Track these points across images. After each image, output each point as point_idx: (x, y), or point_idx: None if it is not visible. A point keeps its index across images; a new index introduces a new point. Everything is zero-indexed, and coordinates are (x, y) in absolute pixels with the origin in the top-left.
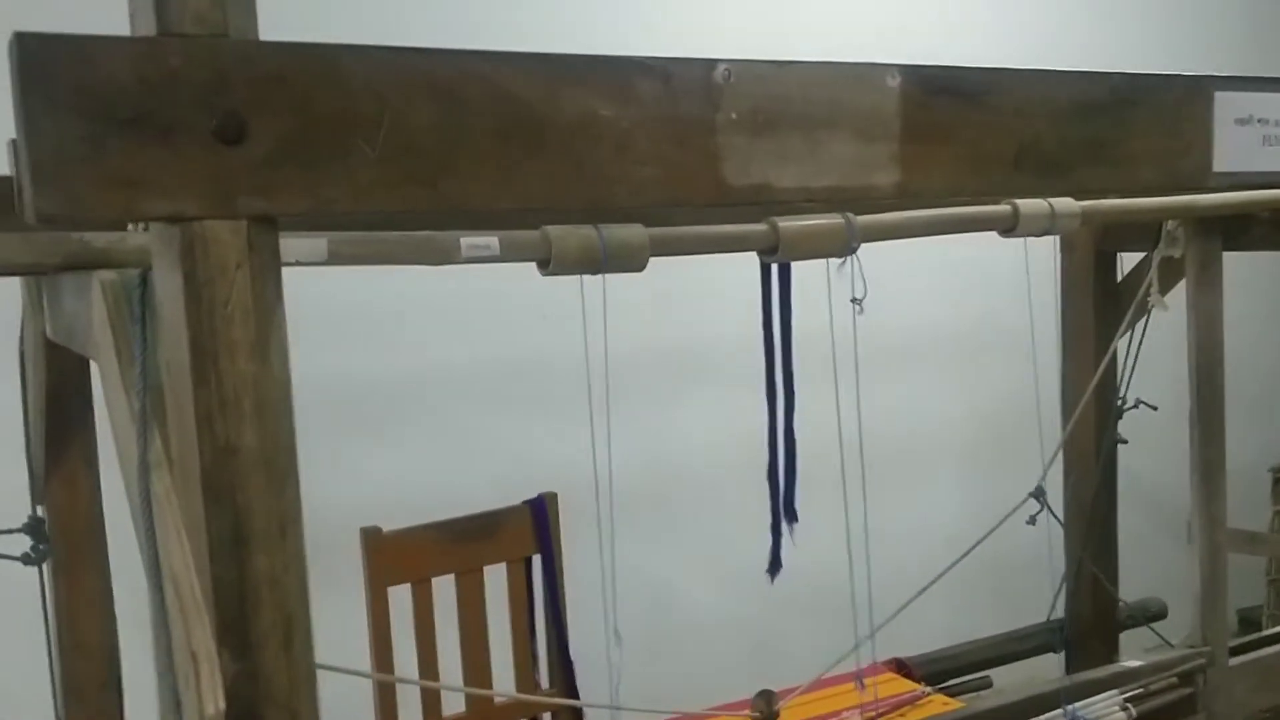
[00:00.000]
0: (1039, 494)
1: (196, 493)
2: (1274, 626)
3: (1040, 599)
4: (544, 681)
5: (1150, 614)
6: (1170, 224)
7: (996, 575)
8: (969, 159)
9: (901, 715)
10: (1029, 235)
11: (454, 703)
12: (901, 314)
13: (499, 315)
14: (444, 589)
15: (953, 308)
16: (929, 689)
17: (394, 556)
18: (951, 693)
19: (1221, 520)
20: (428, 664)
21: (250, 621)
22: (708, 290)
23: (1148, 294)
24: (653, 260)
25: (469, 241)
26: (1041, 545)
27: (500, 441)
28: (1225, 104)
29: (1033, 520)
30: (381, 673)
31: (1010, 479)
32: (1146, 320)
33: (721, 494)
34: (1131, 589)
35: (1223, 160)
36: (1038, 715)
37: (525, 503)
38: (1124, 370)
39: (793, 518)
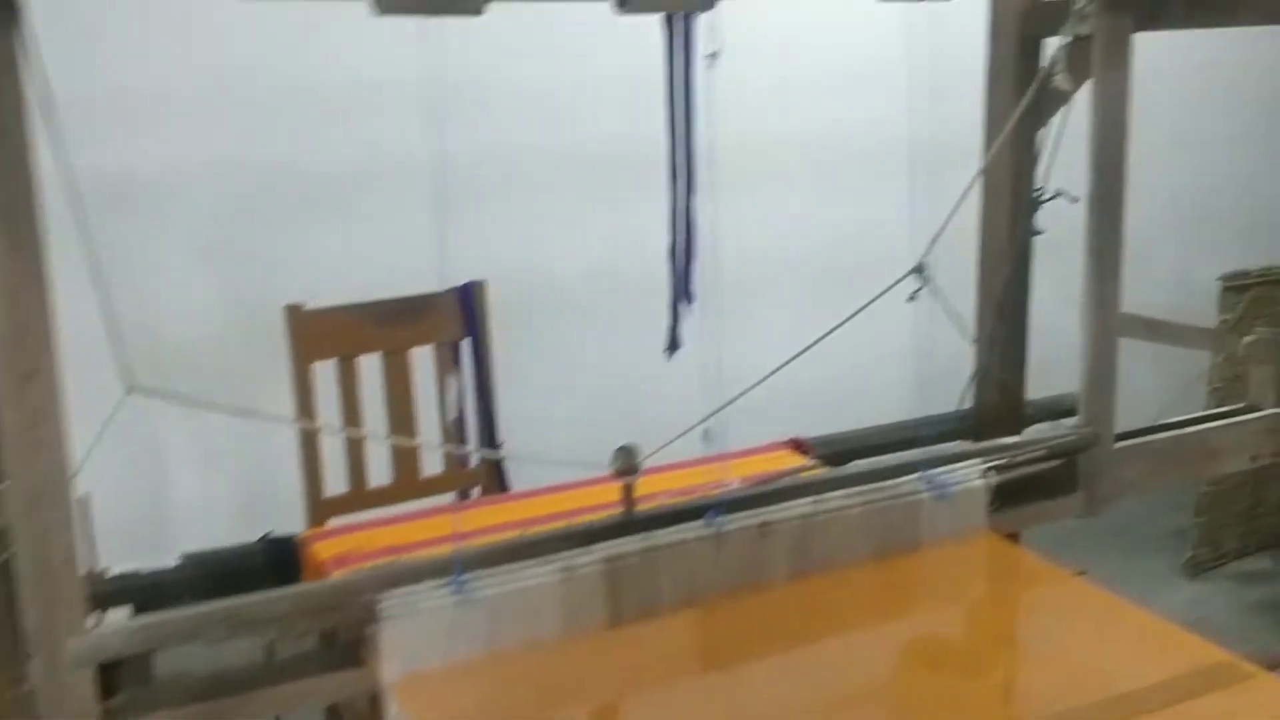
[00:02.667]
0: (919, 269)
1: None
2: None
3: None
4: (473, 459)
5: (1062, 410)
6: (1080, 0)
7: (925, 370)
8: None
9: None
10: None
11: (380, 476)
12: (805, 113)
13: (433, 106)
14: (371, 372)
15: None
16: (813, 464)
17: (318, 334)
18: None
19: (1113, 303)
20: (354, 439)
21: None
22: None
23: (1053, 74)
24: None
25: None
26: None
27: (430, 236)
28: None
29: (912, 297)
30: (307, 447)
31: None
32: (1068, 111)
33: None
34: (1047, 387)
35: None
36: (897, 479)
37: (453, 289)
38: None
39: (689, 298)
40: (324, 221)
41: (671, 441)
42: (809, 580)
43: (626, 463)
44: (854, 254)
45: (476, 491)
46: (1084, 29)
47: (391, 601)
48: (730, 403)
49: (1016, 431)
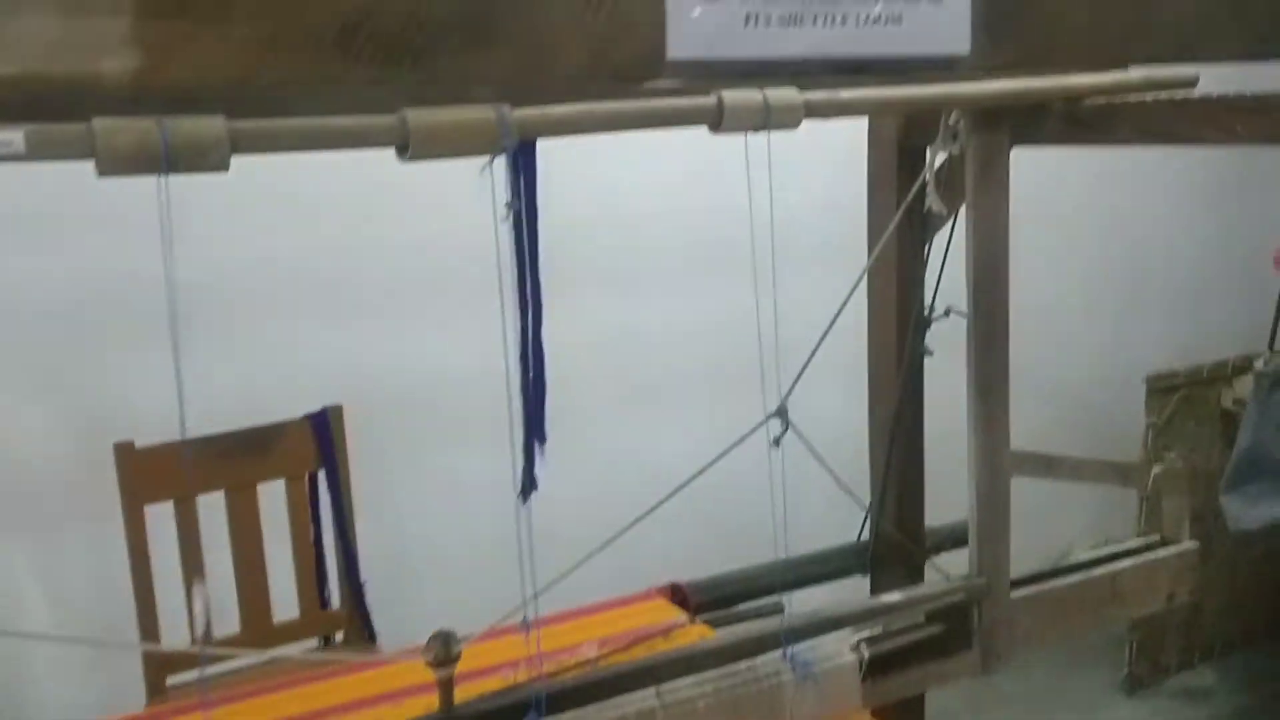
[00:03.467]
0: (780, 413)
1: None
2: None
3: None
4: (334, 601)
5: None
6: (952, 116)
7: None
8: (254, 40)
9: (623, 651)
10: (740, 130)
11: (229, 623)
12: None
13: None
14: (216, 509)
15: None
16: (687, 619)
17: (152, 473)
18: (738, 619)
19: (1002, 444)
20: (193, 585)
21: None
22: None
23: (923, 196)
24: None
25: None
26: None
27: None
28: None
29: (776, 442)
30: (142, 597)
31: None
32: (954, 225)
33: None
34: (951, 512)
35: (682, 46)
36: (756, 657)
37: (305, 416)
38: (935, 277)
39: (542, 437)
40: (163, 345)
41: (491, 628)
42: None
43: (442, 653)
44: (702, 358)
45: (339, 636)
46: (955, 148)
47: None
48: (575, 567)
49: (918, 565)
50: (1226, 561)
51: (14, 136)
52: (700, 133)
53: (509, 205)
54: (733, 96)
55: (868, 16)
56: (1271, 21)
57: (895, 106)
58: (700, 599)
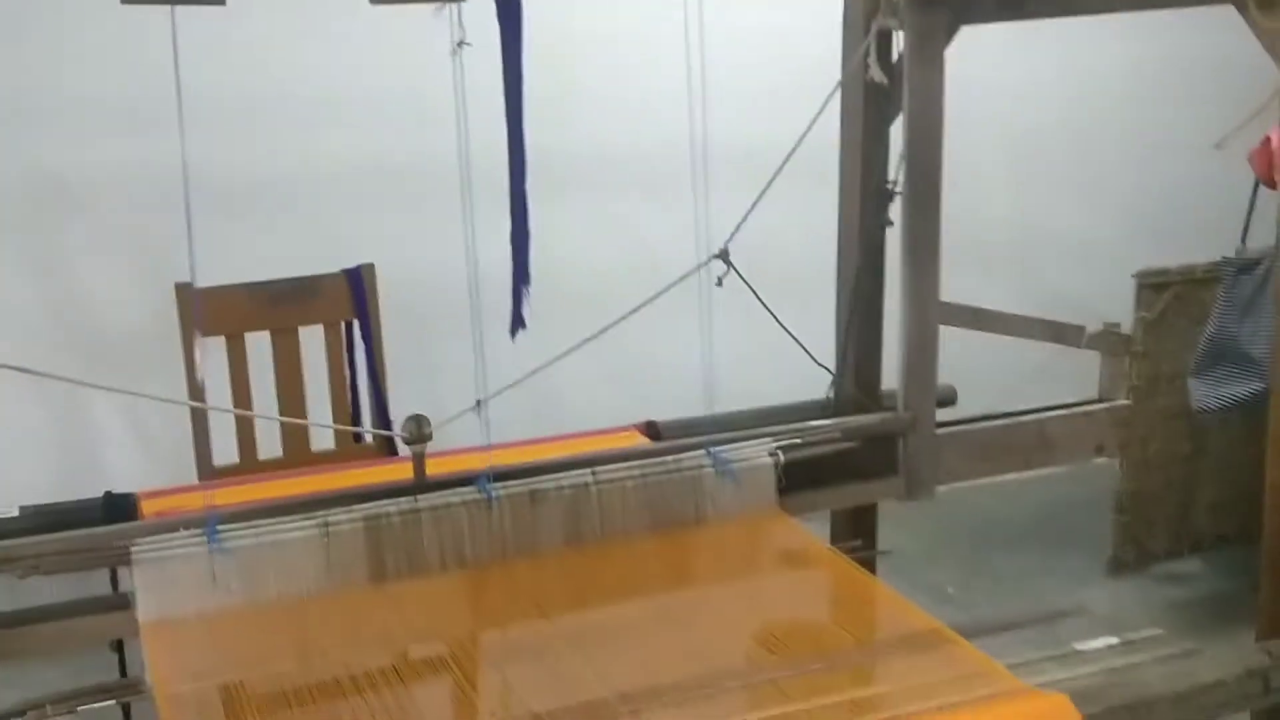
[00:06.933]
0: (723, 254)
1: None
2: None
3: None
4: (367, 437)
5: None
6: None
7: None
8: None
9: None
10: None
11: (272, 450)
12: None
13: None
14: (260, 350)
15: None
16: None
17: (208, 311)
18: None
19: (932, 294)
20: (243, 414)
21: None
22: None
23: (866, 67)
24: None
25: None
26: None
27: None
28: None
29: (719, 281)
30: (198, 422)
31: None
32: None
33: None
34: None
35: None
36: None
37: (343, 271)
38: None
39: (525, 279)
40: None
41: (450, 420)
42: (584, 549)
43: (415, 432)
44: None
45: None
46: (892, 23)
47: (144, 548)
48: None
49: None
50: (1220, 458)
51: None
52: None
53: (459, 45)
54: None
55: None
56: None
57: None
58: (672, 436)
